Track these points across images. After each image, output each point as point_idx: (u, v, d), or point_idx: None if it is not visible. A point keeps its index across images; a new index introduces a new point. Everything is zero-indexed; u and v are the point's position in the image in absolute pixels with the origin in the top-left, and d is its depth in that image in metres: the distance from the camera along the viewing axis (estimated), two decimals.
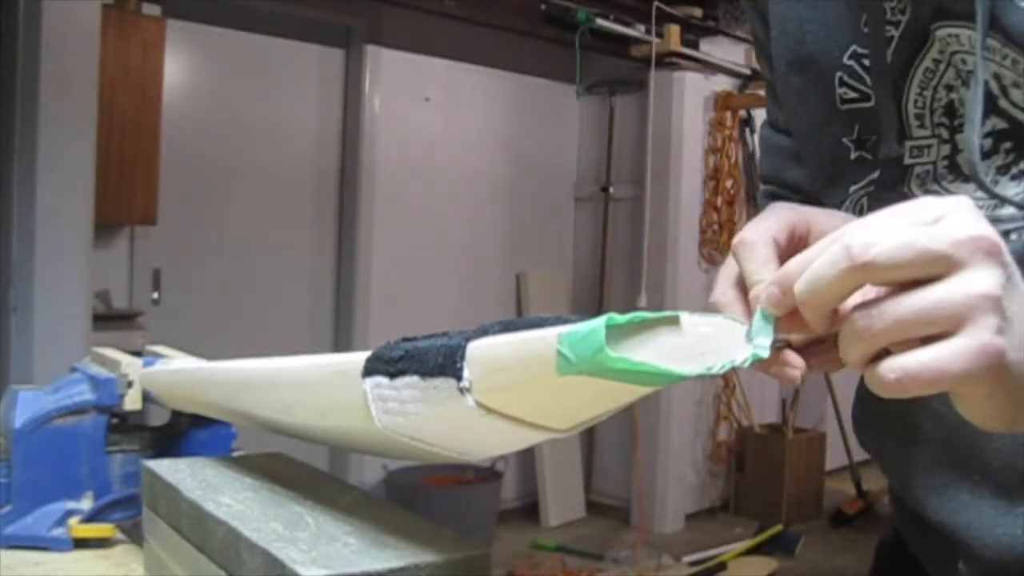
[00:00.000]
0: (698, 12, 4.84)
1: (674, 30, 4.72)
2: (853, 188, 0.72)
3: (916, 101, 0.67)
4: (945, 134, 0.66)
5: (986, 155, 0.64)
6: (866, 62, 0.68)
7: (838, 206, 0.73)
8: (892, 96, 0.67)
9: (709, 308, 0.56)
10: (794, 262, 0.47)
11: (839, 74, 0.70)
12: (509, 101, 4.96)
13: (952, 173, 0.66)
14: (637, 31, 4.70)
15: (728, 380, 5.05)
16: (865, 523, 5.00)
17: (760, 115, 5.19)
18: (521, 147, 5.03)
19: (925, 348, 0.42)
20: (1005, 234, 0.61)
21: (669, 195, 4.90)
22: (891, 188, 0.68)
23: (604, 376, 0.43)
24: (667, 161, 4.89)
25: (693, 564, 4.30)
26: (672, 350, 0.44)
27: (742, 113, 5.14)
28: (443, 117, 4.67)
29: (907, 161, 0.68)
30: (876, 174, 0.70)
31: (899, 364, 0.42)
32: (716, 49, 5.01)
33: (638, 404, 0.45)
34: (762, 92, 5.09)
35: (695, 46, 4.91)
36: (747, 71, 5.15)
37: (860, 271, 0.43)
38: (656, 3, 4.56)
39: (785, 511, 4.91)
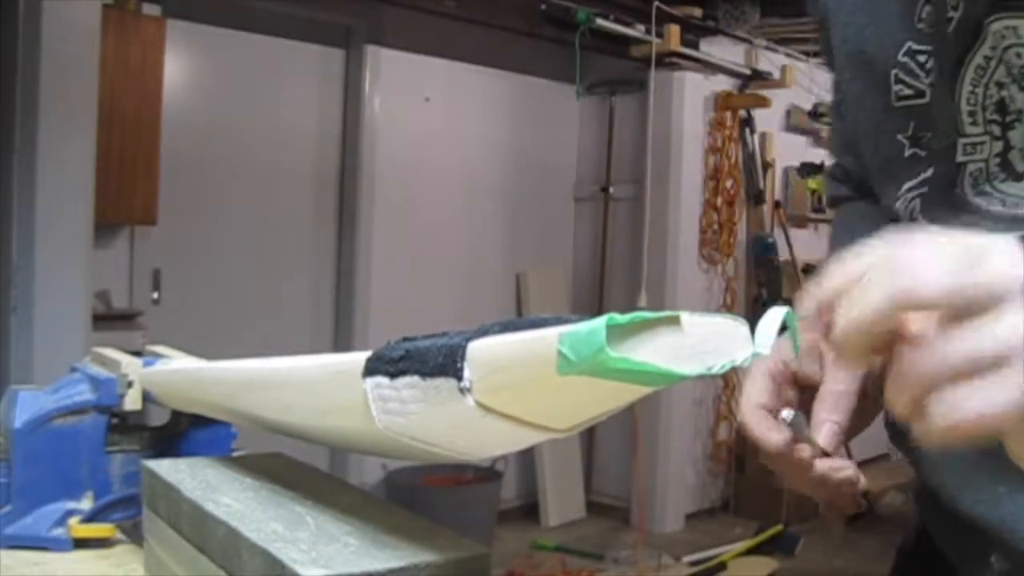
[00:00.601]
0: (698, 12, 4.84)
1: (674, 30, 4.72)
2: (906, 186, 0.72)
3: (968, 98, 0.67)
4: (997, 131, 0.66)
5: None
6: (921, 58, 0.68)
7: (892, 204, 0.74)
8: (945, 94, 0.67)
9: (709, 309, 0.57)
10: (834, 279, 0.46)
11: (894, 71, 0.70)
12: (509, 101, 4.96)
13: (1004, 171, 0.66)
14: (637, 31, 4.70)
15: (728, 380, 5.05)
16: (865, 523, 4.99)
17: (759, 115, 5.20)
18: (521, 147, 5.03)
19: (975, 389, 0.41)
20: None
21: (669, 195, 4.89)
22: (943, 189, 0.68)
23: (605, 376, 0.43)
24: (667, 161, 4.89)
25: (693, 564, 4.30)
26: (672, 350, 0.44)
27: (742, 113, 5.14)
28: (443, 117, 4.67)
29: (960, 159, 0.68)
30: (930, 172, 0.70)
31: (950, 405, 0.41)
32: (716, 49, 5.01)
33: (638, 404, 0.45)
34: (761, 92, 5.11)
35: (695, 46, 4.91)
36: (747, 71, 5.15)
37: (907, 301, 0.42)
38: (656, 3, 4.56)
39: (785, 511, 4.91)
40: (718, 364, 0.46)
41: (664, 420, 4.86)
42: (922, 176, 0.71)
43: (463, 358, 0.49)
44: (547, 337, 0.44)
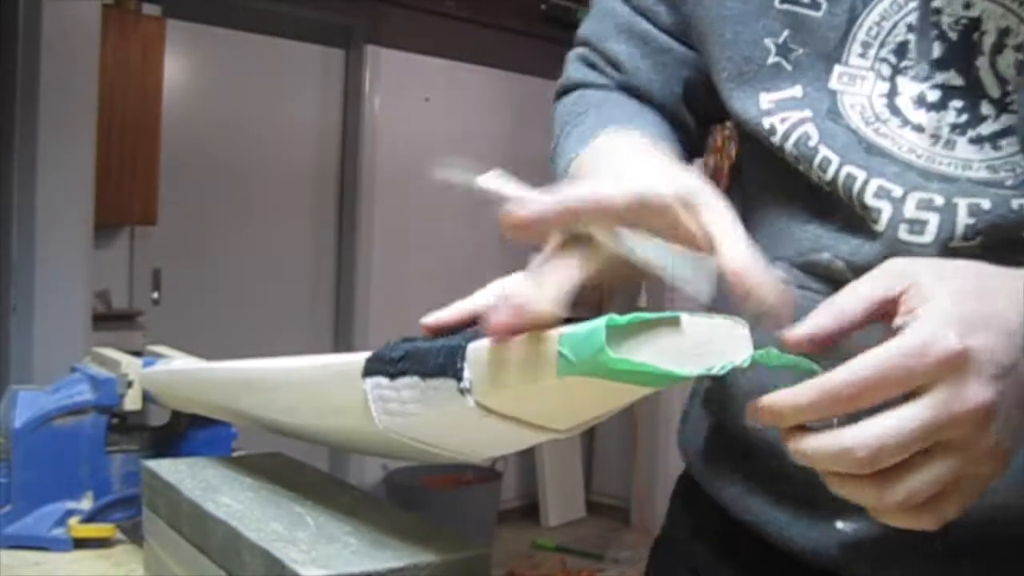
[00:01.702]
0: None
1: None
2: (765, 95, 0.66)
3: (870, 29, 0.63)
4: (886, 71, 0.62)
5: (933, 107, 0.61)
6: None
7: (753, 116, 0.67)
8: (847, 12, 0.63)
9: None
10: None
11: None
12: (509, 101, 4.96)
13: (897, 118, 0.62)
14: None
15: None
16: None
17: None
18: (521, 147, 5.02)
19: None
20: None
21: None
22: (833, 119, 0.63)
23: (605, 377, 0.43)
24: None
25: None
26: (672, 350, 0.44)
27: None
28: (443, 117, 4.67)
29: (832, 86, 0.64)
30: (797, 90, 0.65)
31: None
32: None
33: (638, 404, 0.45)
34: None
35: None
36: None
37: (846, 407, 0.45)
38: None
39: None
40: (718, 365, 0.46)
41: (664, 420, 4.85)
42: (786, 92, 0.65)
43: (463, 359, 0.49)
44: (547, 338, 0.44)
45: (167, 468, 0.81)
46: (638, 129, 0.72)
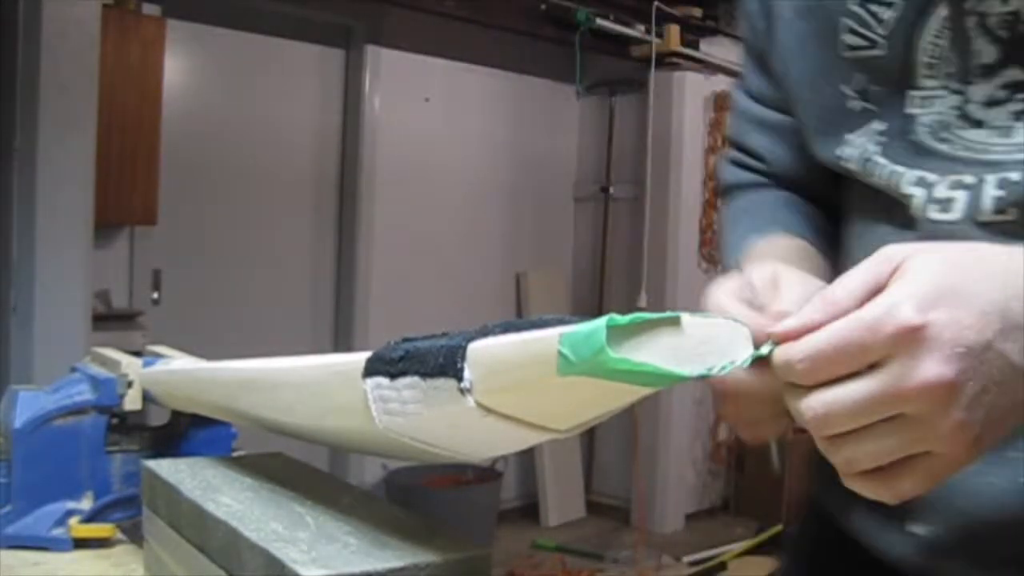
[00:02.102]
0: (698, 12, 4.84)
1: (674, 30, 4.72)
2: (850, 136, 0.70)
3: (929, 50, 0.65)
4: (955, 84, 0.64)
5: (999, 103, 0.62)
6: (874, 8, 0.66)
7: (833, 156, 0.72)
8: (903, 44, 0.66)
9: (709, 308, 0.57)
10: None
11: (844, 20, 0.68)
12: (509, 101, 4.96)
13: (963, 121, 0.64)
14: (637, 31, 4.70)
15: None
16: None
17: None
18: (521, 147, 5.03)
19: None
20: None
21: (669, 195, 4.89)
22: (902, 138, 0.67)
23: (605, 377, 0.43)
24: (667, 161, 4.89)
25: (693, 564, 4.30)
26: (673, 351, 0.44)
27: None
28: (443, 117, 4.67)
29: (909, 110, 0.66)
30: (880, 124, 0.68)
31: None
32: (716, 49, 5.01)
33: (638, 404, 0.45)
34: None
35: (695, 46, 4.91)
36: None
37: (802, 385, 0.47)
38: (656, 3, 4.56)
39: (785, 511, 4.91)
40: (719, 365, 0.46)
41: (664, 420, 4.86)
42: (871, 127, 0.69)
43: (463, 358, 0.49)
44: (548, 338, 0.44)
45: (167, 468, 0.81)
46: (779, 233, 0.79)
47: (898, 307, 0.44)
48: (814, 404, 0.46)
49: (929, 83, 0.65)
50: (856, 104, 0.69)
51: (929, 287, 0.44)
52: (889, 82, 0.67)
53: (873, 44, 0.67)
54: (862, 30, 0.67)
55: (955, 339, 0.43)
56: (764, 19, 0.80)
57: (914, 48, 0.65)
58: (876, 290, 0.47)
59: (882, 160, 0.67)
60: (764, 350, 0.48)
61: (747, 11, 0.84)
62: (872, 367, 0.44)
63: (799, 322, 0.48)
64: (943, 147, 0.64)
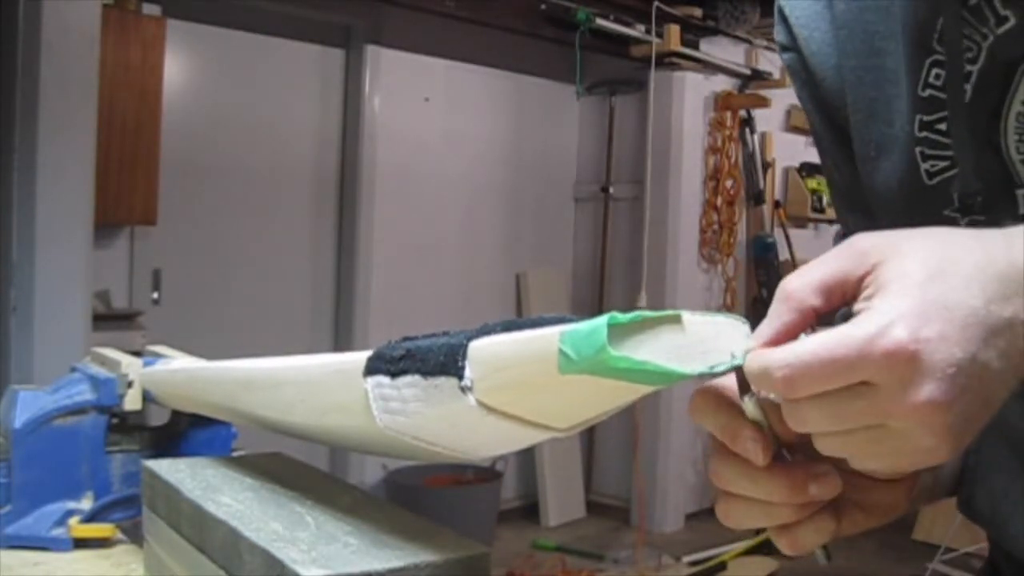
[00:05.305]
0: (698, 12, 4.84)
1: (674, 30, 4.72)
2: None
3: (1018, 147, 0.62)
4: None
5: None
6: (939, 126, 0.64)
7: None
8: (985, 149, 0.63)
9: (709, 309, 0.56)
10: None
11: (918, 150, 0.65)
12: (509, 101, 4.96)
13: None
14: (637, 31, 4.70)
15: None
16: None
17: (759, 115, 5.20)
18: (521, 147, 5.03)
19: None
20: None
21: (669, 195, 4.89)
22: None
23: (606, 375, 0.43)
24: (667, 161, 4.89)
25: (693, 564, 4.30)
26: (674, 349, 0.44)
27: (742, 113, 5.14)
28: (443, 117, 4.67)
29: None
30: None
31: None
32: (716, 49, 5.01)
33: (638, 404, 0.44)
34: (761, 92, 5.11)
35: (695, 46, 4.91)
36: (747, 71, 5.15)
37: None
38: (656, 3, 4.56)
39: None
40: (720, 363, 0.46)
41: (664, 420, 4.85)
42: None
43: (464, 357, 0.49)
44: (548, 336, 0.44)
45: (167, 468, 0.81)
46: None
47: (890, 328, 0.43)
48: (803, 415, 0.45)
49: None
50: (967, 220, 0.66)
51: (916, 302, 0.43)
52: (990, 189, 0.64)
53: (955, 163, 0.64)
54: (938, 152, 0.65)
55: (946, 360, 0.43)
56: (836, 170, 0.78)
57: (1001, 149, 0.63)
58: (843, 285, 0.46)
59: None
60: (738, 359, 0.47)
61: (830, 159, 0.80)
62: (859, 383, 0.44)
63: (771, 329, 0.46)
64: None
